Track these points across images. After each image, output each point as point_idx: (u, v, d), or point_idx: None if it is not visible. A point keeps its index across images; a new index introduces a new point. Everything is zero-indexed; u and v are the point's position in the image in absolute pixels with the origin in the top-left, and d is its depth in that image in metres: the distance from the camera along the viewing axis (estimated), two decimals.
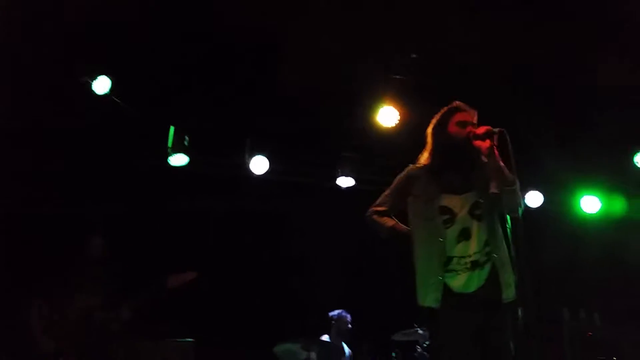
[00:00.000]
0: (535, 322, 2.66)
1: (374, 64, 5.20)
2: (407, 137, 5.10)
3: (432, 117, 3.15)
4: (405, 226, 3.04)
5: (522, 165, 2.81)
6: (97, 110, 5.06)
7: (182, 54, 4.96)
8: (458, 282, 2.83)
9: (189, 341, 4.61)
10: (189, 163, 5.56)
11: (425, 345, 4.92)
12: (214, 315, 5.46)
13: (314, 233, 6.09)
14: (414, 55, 5.12)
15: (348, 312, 5.47)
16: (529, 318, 2.63)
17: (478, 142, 2.85)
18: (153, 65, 4.97)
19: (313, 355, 4.63)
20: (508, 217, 2.84)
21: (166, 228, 5.53)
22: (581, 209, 6.44)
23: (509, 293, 2.82)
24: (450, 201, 2.92)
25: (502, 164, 2.81)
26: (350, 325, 5.40)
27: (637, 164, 6.01)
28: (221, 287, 5.56)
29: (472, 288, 2.83)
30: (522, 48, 5.00)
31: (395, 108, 5.45)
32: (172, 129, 5.53)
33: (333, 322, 5.39)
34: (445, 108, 3.10)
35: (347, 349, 5.35)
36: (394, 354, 5.01)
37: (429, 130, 3.13)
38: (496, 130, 2.81)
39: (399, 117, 5.46)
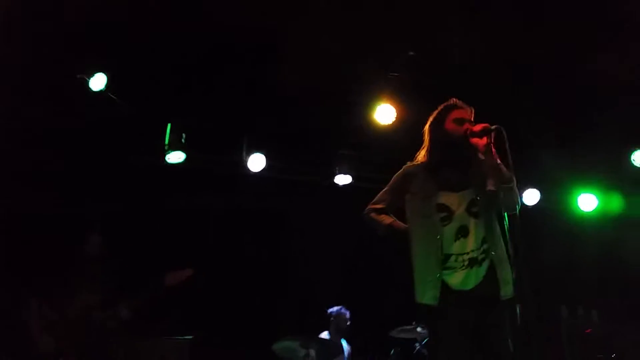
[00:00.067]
0: (534, 319, 2.66)
1: (371, 62, 5.20)
2: (405, 135, 5.09)
3: (429, 115, 3.15)
4: (403, 223, 3.03)
5: (519, 163, 2.81)
6: (94, 108, 5.05)
7: (180, 52, 4.95)
8: (456, 279, 2.83)
9: (187, 339, 4.61)
10: (186, 160, 5.55)
11: (423, 342, 4.93)
12: (213, 313, 5.46)
13: (312, 231, 6.09)
14: (411, 53, 5.11)
15: (347, 309, 5.47)
16: (528, 315, 2.63)
17: (475, 140, 2.85)
18: (150, 62, 4.95)
19: (312, 352, 4.63)
20: (505, 214, 2.83)
21: (163, 226, 5.52)
22: (578, 207, 6.45)
23: (507, 290, 2.82)
24: (448, 199, 2.92)
25: (499, 161, 2.81)
26: (349, 322, 5.41)
27: (634, 162, 6.03)
28: (219, 284, 5.55)
29: (470, 285, 2.83)
30: (520, 47, 5.00)
31: (393, 106, 5.44)
32: (169, 126, 5.52)
33: (332, 318, 5.40)
34: (442, 105, 3.10)
35: (346, 346, 5.36)
36: (392, 352, 5.01)
37: (426, 127, 3.13)
38: (493, 127, 2.81)
39: (396, 115, 5.45)
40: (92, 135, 5.16)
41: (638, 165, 6.01)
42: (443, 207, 2.91)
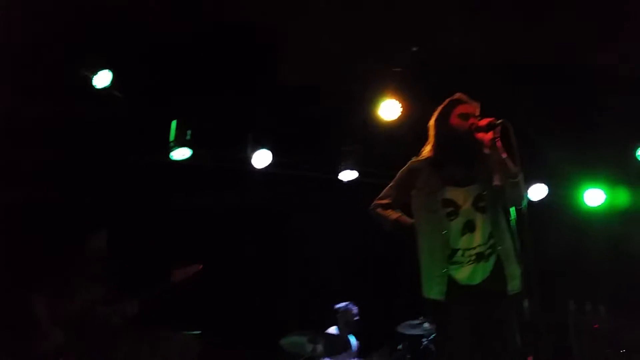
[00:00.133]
0: (541, 314, 2.65)
1: (375, 57, 5.19)
2: (410, 130, 5.08)
3: (434, 110, 3.13)
4: (409, 218, 3.03)
5: (525, 158, 2.79)
6: (98, 105, 5.06)
7: (185, 48, 4.95)
8: (463, 274, 2.83)
9: (195, 334, 4.62)
10: (191, 157, 5.55)
11: (430, 337, 4.93)
12: (220, 309, 5.47)
13: (318, 227, 6.08)
14: (415, 48, 5.09)
15: (354, 304, 5.47)
16: (535, 310, 2.62)
17: (480, 134, 2.84)
18: (155, 59, 4.96)
19: (319, 347, 4.63)
20: (512, 209, 2.82)
21: (169, 222, 5.53)
22: (585, 202, 6.42)
23: (514, 285, 2.81)
24: (454, 194, 2.92)
25: (505, 156, 2.80)
26: (356, 318, 5.40)
27: None
28: (226, 280, 5.56)
29: (477, 280, 2.83)
30: (525, 40, 4.98)
31: (397, 101, 5.43)
32: (174, 123, 5.52)
33: (339, 314, 5.40)
34: (447, 100, 3.09)
35: (354, 341, 5.36)
36: (400, 346, 5.01)
37: (431, 122, 3.12)
38: (499, 122, 2.79)
39: (401, 110, 5.44)
40: (97, 132, 5.18)
41: None
42: (449, 202, 2.90)
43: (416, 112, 5.27)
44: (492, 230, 2.87)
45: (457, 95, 3.07)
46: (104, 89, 5.04)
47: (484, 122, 2.84)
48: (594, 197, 6.40)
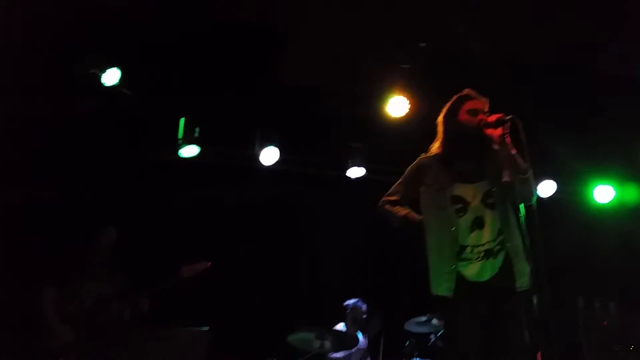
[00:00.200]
0: (550, 311, 2.64)
1: (383, 54, 5.18)
2: (417, 127, 5.07)
3: (442, 106, 3.12)
4: (418, 215, 3.02)
5: (534, 154, 2.77)
6: (107, 103, 5.09)
7: (193, 45, 4.96)
8: (472, 270, 2.82)
9: (204, 329, 4.65)
10: (200, 154, 5.57)
11: (439, 334, 4.91)
12: (228, 305, 5.49)
13: (325, 223, 6.09)
14: (423, 44, 5.07)
15: (363, 302, 5.46)
16: (544, 307, 2.61)
17: (490, 130, 2.82)
18: (163, 57, 4.97)
19: (327, 343, 4.63)
20: (521, 205, 2.81)
21: (177, 219, 5.55)
22: (595, 199, 6.38)
23: (522, 282, 2.80)
24: (463, 190, 2.91)
25: (514, 152, 2.79)
26: (365, 315, 5.40)
27: None
28: (233, 277, 5.58)
29: (486, 277, 2.82)
30: (534, 35, 4.95)
31: (405, 98, 5.41)
32: (182, 120, 5.54)
33: (348, 311, 5.39)
34: (456, 96, 3.07)
35: (362, 338, 5.36)
36: (407, 343, 5.00)
37: (440, 119, 3.10)
38: (508, 117, 2.78)
39: (409, 107, 5.42)
40: (106, 130, 5.21)
41: None
42: (458, 199, 2.89)
43: (424, 108, 5.25)
44: (501, 226, 2.86)
45: (466, 91, 3.06)
46: (113, 86, 5.06)
47: (493, 118, 2.83)
48: (603, 193, 6.36)
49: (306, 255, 6.23)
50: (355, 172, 6.01)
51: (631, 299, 5.58)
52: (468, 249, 2.84)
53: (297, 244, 6.18)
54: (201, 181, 5.71)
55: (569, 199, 6.44)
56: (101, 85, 5.02)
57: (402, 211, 3.05)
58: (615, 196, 6.36)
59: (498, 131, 2.79)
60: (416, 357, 4.92)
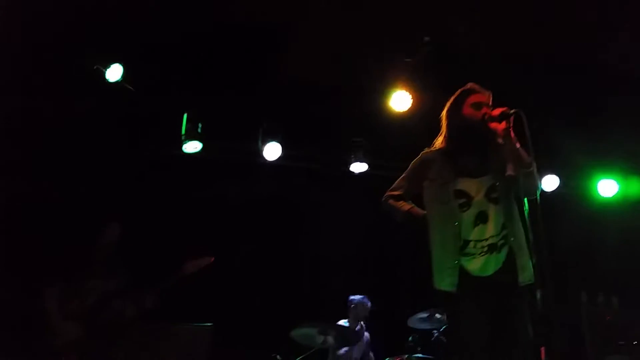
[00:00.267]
0: (553, 305, 2.63)
1: (386, 48, 5.16)
2: (421, 122, 5.06)
3: (445, 101, 3.11)
4: (421, 210, 3.02)
5: (537, 148, 2.76)
6: (110, 99, 5.09)
7: (195, 41, 4.95)
8: (475, 265, 2.82)
9: (207, 325, 4.65)
10: (203, 150, 5.57)
11: (441, 329, 4.91)
12: (231, 301, 5.50)
13: (328, 219, 6.09)
14: (426, 38, 5.06)
15: (369, 298, 5.45)
16: (547, 302, 2.61)
17: (494, 124, 2.80)
18: (165, 52, 4.97)
19: (330, 339, 4.64)
20: (525, 200, 2.80)
21: (180, 215, 5.56)
22: (598, 193, 6.37)
23: (526, 276, 2.79)
24: (466, 185, 2.90)
25: (518, 146, 2.77)
26: (369, 312, 5.40)
27: None
28: (236, 272, 5.58)
29: (490, 271, 2.81)
30: (538, 29, 4.92)
31: (408, 92, 5.39)
32: (185, 116, 5.54)
33: (352, 305, 5.38)
34: (460, 90, 3.06)
35: (365, 334, 5.36)
36: (410, 338, 5.00)
37: (444, 113, 3.09)
38: (512, 111, 2.75)
39: (412, 102, 5.41)
40: (109, 126, 5.21)
41: None
42: (461, 193, 2.88)
43: (427, 103, 5.24)
44: (504, 221, 2.85)
45: (469, 85, 3.04)
46: (116, 82, 5.06)
47: (497, 111, 2.80)
48: (607, 187, 6.34)
49: (309, 251, 6.23)
50: (358, 167, 6.01)
51: (634, 293, 5.57)
52: (471, 244, 2.84)
53: (300, 239, 6.18)
54: (204, 177, 5.72)
55: (573, 193, 6.43)
56: (104, 81, 5.02)
57: (406, 206, 3.04)
58: (618, 190, 6.34)
59: (502, 125, 2.76)
60: (419, 352, 4.92)
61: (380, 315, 5.51)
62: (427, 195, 3.00)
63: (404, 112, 5.46)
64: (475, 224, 2.85)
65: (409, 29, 4.94)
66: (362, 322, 5.34)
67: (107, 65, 5.02)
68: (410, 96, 5.40)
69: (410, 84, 5.38)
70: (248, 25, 4.97)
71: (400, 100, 5.42)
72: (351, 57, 5.13)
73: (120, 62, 5.04)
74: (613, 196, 6.35)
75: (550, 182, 6.19)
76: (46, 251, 4.64)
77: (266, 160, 5.76)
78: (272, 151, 5.75)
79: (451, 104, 3.05)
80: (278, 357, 4.73)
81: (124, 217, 4.33)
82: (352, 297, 5.42)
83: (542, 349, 3.16)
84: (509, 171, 2.83)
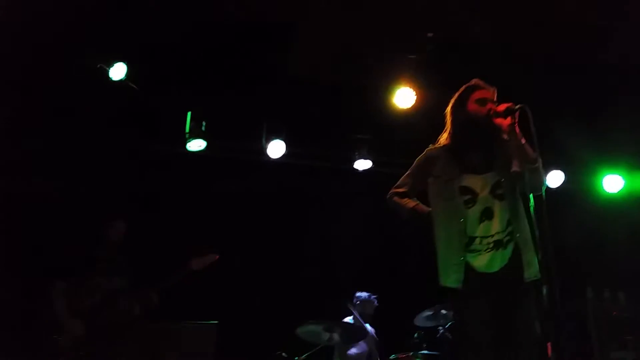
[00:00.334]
0: (559, 301, 2.63)
1: (390, 45, 5.15)
2: (425, 118, 5.05)
3: (449, 97, 3.10)
4: (426, 207, 3.01)
5: (542, 144, 2.75)
6: (114, 97, 5.10)
7: (199, 39, 4.96)
8: (481, 261, 2.81)
9: (212, 323, 4.66)
10: (207, 148, 5.57)
11: (447, 326, 4.91)
12: (236, 298, 5.51)
13: (333, 216, 6.09)
14: (430, 34, 5.04)
15: (375, 296, 5.44)
16: (553, 298, 2.60)
17: (499, 120, 2.79)
18: (169, 51, 4.97)
19: (336, 336, 4.64)
20: (531, 196, 2.79)
21: (185, 212, 5.57)
22: (604, 188, 6.34)
23: (532, 272, 2.79)
24: (471, 181, 2.89)
25: (524, 141, 2.76)
26: (374, 310, 5.39)
27: None
28: (241, 270, 5.59)
29: (495, 268, 2.81)
30: (542, 25, 4.90)
31: (412, 89, 5.38)
32: (189, 114, 5.54)
33: (358, 302, 5.38)
34: (464, 86, 3.05)
35: (371, 330, 5.36)
36: (416, 335, 5.00)
37: (448, 109, 3.08)
38: (517, 107, 2.74)
39: (416, 98, 5.40)
40: (113, 125, 5.22)
41: None
42: (466, 190, 2.88)
43: (431, 99, 5.23)
44: (510, 217, 2.85)
45: (474, 81, 3.03)
46: (120, 81, 5.07)
47: (502, 107, 2.79)
48: (612, 183, 6.32)
49: (314, 248, 6.23)
50: (363, 164, 6.01)
51: None
52: (477, 240, 2.83)
53: (305, 236, 6.18)
54: (208, 175, 5.72)
55: (578, 189, 6.41)
56: (108, 80, 5.03)
57: (411, 203, 3.03)
58: (624, 186, 6.32)
59: (507, 120, 2.75)
60: (424, 349, 4.92)
61: (386, 312, 5.51)
62: (432, 192, 3.00)
63: (408, 109, 5.45)
64: (481, 221, 2.84)
65: (412, 26, 4.93)
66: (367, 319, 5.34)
67: (110, 64, 5.02)
68: (414, 93, 5.39)
69: (414, 81, 5.37)
70: (253, 23, 4.97)
71: (404, 97, 5.41)
72: (355, 54, 5.13)
73: (124, 61, 5.05)
74: (618, 192, 6.33)
75: (555, 178, 6.17)
76: (53, 248, 4.66)
77: (270, 158, 5.76)
78: (276, 149, 5.75)
79: (456, 100, 3.04)
80: (283, 354, 4.74)
81: (129, 216, 4.35)
82: (358, 294, 5.42)
83: (549, 345, 3.15)
84: (515, 167, 2.83)
